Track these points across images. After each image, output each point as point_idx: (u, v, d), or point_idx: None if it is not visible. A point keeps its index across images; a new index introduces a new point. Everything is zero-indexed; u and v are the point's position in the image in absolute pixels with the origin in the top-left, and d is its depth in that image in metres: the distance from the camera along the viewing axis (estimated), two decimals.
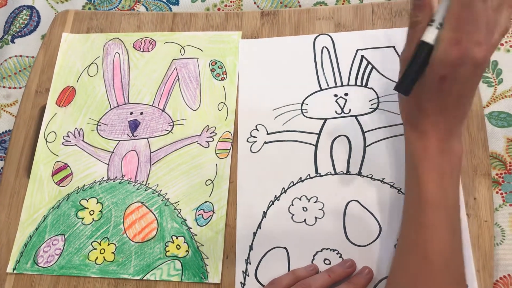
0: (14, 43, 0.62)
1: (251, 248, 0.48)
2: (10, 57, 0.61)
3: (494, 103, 0.51)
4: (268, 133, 0.52)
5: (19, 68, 0.61)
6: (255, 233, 0.48)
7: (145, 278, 0.48)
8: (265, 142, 0.52)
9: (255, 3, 0.60)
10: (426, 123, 0.39)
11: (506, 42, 0.53)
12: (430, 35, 0.36)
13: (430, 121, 0.39)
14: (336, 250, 0.46)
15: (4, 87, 0.60)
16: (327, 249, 0.46)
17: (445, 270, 0.38)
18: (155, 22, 0.59)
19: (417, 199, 0.39)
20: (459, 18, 0.34)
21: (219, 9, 0.60)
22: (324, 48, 0.54)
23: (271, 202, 0.49)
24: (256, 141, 0.52)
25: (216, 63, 0.56)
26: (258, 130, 0.52)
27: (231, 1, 0.60)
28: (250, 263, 0.47)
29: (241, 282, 0.47)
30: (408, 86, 0.37)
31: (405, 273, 0.40)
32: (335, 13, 0.56)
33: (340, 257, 0.46)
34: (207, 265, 0.48)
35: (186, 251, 0.49)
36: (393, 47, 0.53)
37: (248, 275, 0.47)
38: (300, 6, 0.59)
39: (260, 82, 0.54)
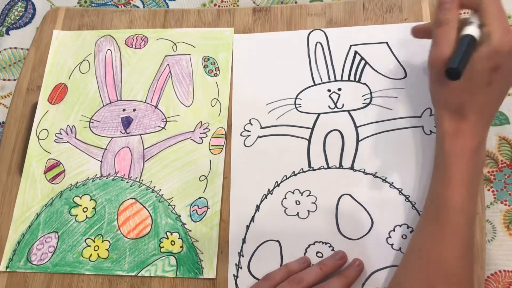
0: (9, 35, 0.62)
1: (244, 241, 0.49)
2: (4, 49, 0.62)
3: None
4: (261, 127, 0.53)
5: (14, 60, 0.61)
6: (248, 226, 0.49)
7: (139, 275, 0.49)
8: (259, 136, 0.52)
9: None
10: (466, 122, 0.41)
11: None
12: (473, 31, 0.40)
13: (471, 120, 0.41)
14: (328, 243, 0.47)
15: None
16: (319, 242, 0.48)
17: (457, 275, 0.39)
18: (147, 19, 0.60)
19: (442, 200, 0.41)
20: (500, 13, 0.40)
21: (215, 4, 0.61)
22: (318, 43, 0.56)
23: (264, 196, 0.50)
24: (249, 135, 0.53)
25: (208, 59, 0.57)
26: (252, 124, 0.53)
27: None
28: (243, 256, 0.48)
29: (234, 275, 0.48)
30: (461, 67, 0.38)
31: (415, 275, 0.41)
32: (327, 9, 0.57)
33: (332, 250, 0.47)
34: (202, 261, 0.49)
35: (181, 247, 0.49)
36: (386, 43, 0.54)
37: (241, 268, 0.48)
38: (296, 2, 0.60)
39: (254, 77, 0.55)
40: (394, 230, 0.47)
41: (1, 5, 0.64)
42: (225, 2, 0.61)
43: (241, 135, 0.53)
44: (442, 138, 0.42)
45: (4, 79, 0.60)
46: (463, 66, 0.38)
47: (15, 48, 0.62)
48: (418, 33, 0.48)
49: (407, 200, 0.48)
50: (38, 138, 0.55)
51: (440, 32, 0.41)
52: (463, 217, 0.40)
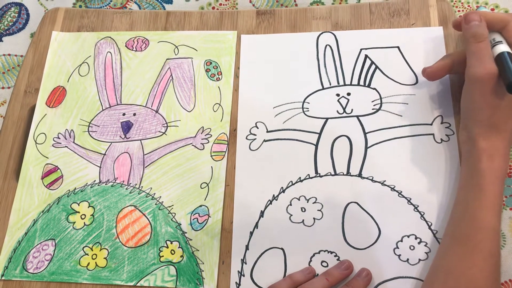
0: (2, 41, 0.62)
1: (247, 248, 0.48)
2: None
3: None
4: (268, 131, 0.53)
5: (8, 67, 0.61)
6: (251, 233, 0.49)
7: (138, 284, 0.49)
8: (265, 140, 0.52)
9: (250, 1, 0.61)
10: (502, 141, 0.43)
11: None
12: (507, 49, 0.43)
13: (506, 139, 0.43)
14: (334, 252, 0.47)
15: None
16: (324, 251, 0.47)
17: None
18: (148, 21, 0.60)
19: (475, 221, 0.41)
20: None
21: (213, 7, 0.61)
22: (328, 46, 0.55)
23: (269, 202, 0.50)
24: (255, 138, 0.53)
25: (211, 63, 0.57)
26: (257, 128, 0.53)
27: (226, 0, 0.61)
28: (246, 263, 0.48)
29: (236, 282, 0.47)
30: None
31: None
32: (332, 12, 0.57)
33: (337, 259, 0.47)
34: (203, 271, 0.48)
35: (181, 256, 0.49)
36: (398, 47, 0.54)
37: (244, 275, 0.47)
38: (296, 5, 0.60)
39: (261, 78, 0.55)
40: (401, 241, 0.46)
41: None
42: (223, 5, 0.61)
43: (246, 138, 0.53)
44: (478, 158, 0.43)
45: None
46: None
47: (9, 54, 0.62)
48: (434, 75, 0.49)
49: (415, 210, 0.47)
50: (36, 143, 0.55)
51: (481, 48, 0.43)
52: (495, 238, 0.41)
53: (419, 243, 0.46)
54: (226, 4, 0.61)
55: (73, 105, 0.57)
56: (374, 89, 0.53)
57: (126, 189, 0.52)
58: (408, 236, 0.47)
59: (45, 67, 0.59)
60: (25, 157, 0.55)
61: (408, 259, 0.46)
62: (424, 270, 0.45)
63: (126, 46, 0.59)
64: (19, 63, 0.61)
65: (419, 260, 0.46)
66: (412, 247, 0.46)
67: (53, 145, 0.55)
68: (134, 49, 0.59)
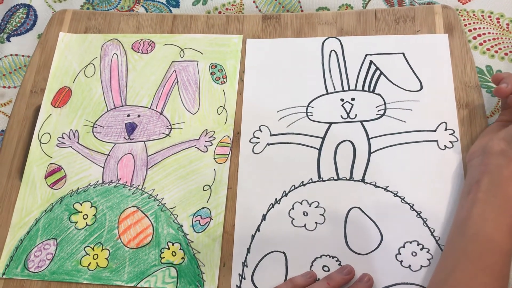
0: (10, 41, 0.64)
1: (248, 251, 0.49)
2: (5, 56, 0.63)
3: (498, 113, 0.53)
4: (271, 135, 0.54)
5: (14, 67, 0.63)
6: (253, 236, 0.50)
7: (139, 286, 0.50)
8: (268, 144, 0.54)
9: (257, 7, 0.62)
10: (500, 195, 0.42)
11: (510, 52, 0.55)
12: None
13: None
14: (335, 257, 0.48)
15: None
16: (326, 255, 0.48)
17: None
18: (154, 23, 0.62)
19: (490, 243, 0.41)
20: None
21: (220, 12, 0.63)
22: (333, 51, 0.57)
23: (271, 205, 0.51)
24: (259, 142, 0.54)
25: (216, 66, 0.58)
26: (261, 131, 0.54)
27: (232, 5, 0.63)
28: (247, 266, 0.49)
29: (237, 285, 0.48)
30: None
31: None
32: (338, 18, 0.58)
33: (339, 264, 0.48)
34: (203, 273, 0.49)
35: (182, 258, 0.50)
36: (403, 54, 0.55)
37: (245, 278, 0.48)
38: (302, 11, 0.61)
39: (266, 82, 0.57)
40: (404, 247, 0.47)
41: (2, 12, 0.67)
42: (230, 10, 0.63)
43: (250, 141, 0.54)
44: (504, 182, 0.43)
45: (4, 86, 0.62)
46: None
47: (16, 55, 0.64)
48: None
49: (418, 216, 0.48)
50: (40, 142, 0.57)
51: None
52: (508, 261, 0.41)
53: (421, 249, 0.47)
54: (232, 9, 0.63)
55: (78, 105, 0.58)
56: (379, 94, 0.54)
57: (129, 190, 0.54)
58: (411, 242, 0.47)
59: (51, 67, 0.60)
60: (29, 157, 0.56)
61: (410, 266, 0.47)
62: (426, 276, 0.46)
63: (132, 48, 0.61)
64: (26, 63, 0.63)
65: (421, 266, 0.47)
66: (414, 254, 0.47)
67: (57, 145, 0.57)
68: (140, 51, 0.60)
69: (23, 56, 0.64)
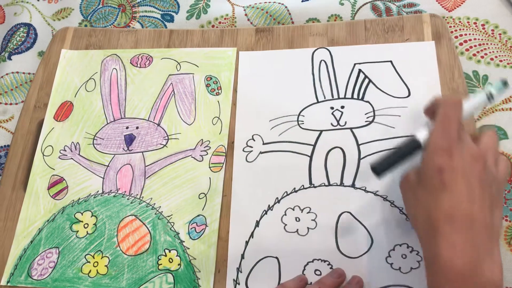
0: (11, 60, 0.68)
1: (242, 256, 0.52)
2: (7, 74, 0.67)
3: (485, 117, 0.55)
4: (264, 143, 0.56)
5: (16, 84, 0.67)
6: (247, 242, 0.52)
7: None
8: (261, 152, 0.56)
9: (248, 20, 0.65)
10: (440, 243, 0.37)
11: (496, 57, 0.57)
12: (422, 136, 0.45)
13: (445, 240, 0.37)
14: (327, 261, 0.50)
15: (0, 103, 0.66)
16: (318, 260, 0.50)
17: None
18: (152, 38, 0.65)
19: (482, 278, 0.37)
20: (446, 117, 0.42)
21: (213, 26, 0.66)
22: (322, 61, 0.59)
23: (264, 212, 0.53)
24: (252, 150, 0.56)
25: (211, 78, 0.61)
26: (254, 140, 0.57)
27: (225, 18, 0.66)
28: (241, 272, 0.51)
29: None
30: (384, 167, 0.45)
31: None
32: (329, 29, 0.61)
33: (331, 268, 0.50)
34: (199, 279, 0.52)
35: (179, 264, 0.53)
36: (391, 61, 0.58)
37: (239, 284, 0.51)
38: (293, 22, 0.64)
39: (259, 93, 0.59)
40: (394, 250, 0.49)
41: (4, 31, 0.71)
42: (222, 23, 0.66)
43: (243, 150, 0.57)
44: (426, 267, 0.41)
45: (6, 103, 0.66)
46: (389, 166, 0.45)
47: (17, 72, 0.67)
48: None
49: (407, 219, 0.50)
50: (43, 155, 0.60)
51: None
52: None
53: (411, 252, 0.49)
54: (225, 23, 0.66)
55: (79, 119, 0.62)
56: (367, 102, 0.56)
57: (128, 199, 0.56)
58: (400, 245, 0.49)
59: (54, 83, 0.64)
60: (33, 169, 0.60)
61: (400, 268, 0.48)
62: (415, 278, 0.48)
63: (131, 62, 0.64)
64: (27, 80, 0.67)
65: (411, 268, 0.48)
66: (404, 256, 0.49)
67: (59, 157, 0.60)
68: (139, 65, 0.64)
69: (24, 73, 0.67)
